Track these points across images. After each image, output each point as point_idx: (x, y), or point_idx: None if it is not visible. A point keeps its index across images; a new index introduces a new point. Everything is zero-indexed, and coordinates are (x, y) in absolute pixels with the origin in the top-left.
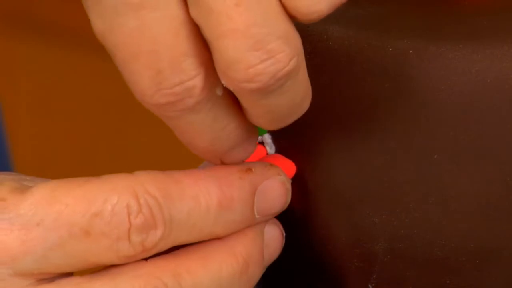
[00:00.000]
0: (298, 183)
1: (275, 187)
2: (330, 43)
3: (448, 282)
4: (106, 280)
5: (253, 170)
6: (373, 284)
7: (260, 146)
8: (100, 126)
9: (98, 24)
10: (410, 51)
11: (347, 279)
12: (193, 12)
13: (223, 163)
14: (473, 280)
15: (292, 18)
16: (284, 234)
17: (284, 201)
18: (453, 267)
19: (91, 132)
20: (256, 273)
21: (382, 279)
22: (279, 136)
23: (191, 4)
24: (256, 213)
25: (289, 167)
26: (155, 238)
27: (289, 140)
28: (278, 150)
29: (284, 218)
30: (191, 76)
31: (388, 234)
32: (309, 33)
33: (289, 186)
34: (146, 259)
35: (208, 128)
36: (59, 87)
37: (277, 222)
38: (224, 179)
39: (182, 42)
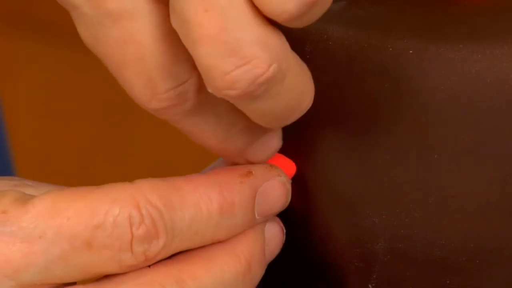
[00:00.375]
0: (298, 183)
1: (275, 188)
2: (330, 43)
3: (448, 282)
4: None
5: (253, 173)
6: (373, 284)
7: None
8: (100, 126)
9: (85, 35)
10: (410, 51)
11: (347, 279)
12: (172, 22)
13: (249, 162)
14: (473, 280)
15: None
16: (285, 230)
17: (284, 201)
18: (453, 267)
19: (91, 132)
20: (258, 272)
21: (382, 279)
22: None
23: (171, 14)
24: (256, 215)
25: (289, 167)
26: (157, 248)
27: (289, 140)
28: (278, 150)
29: (284, 218)
30: (183, 80)
31: (388, 234)
32: (309, 33)
33: (289, 186)
34: (148, 266)
35: (214, 128)
36: (59, 87)
37: (277, 219)
38: (225, 184)
39: (169, 48)
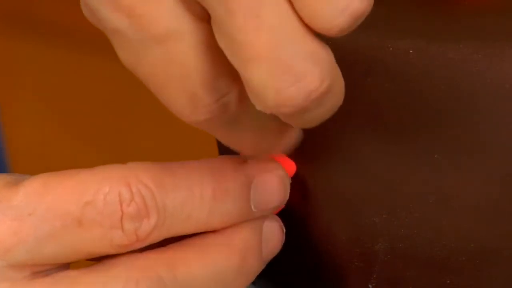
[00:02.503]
0: (298, 183)
1: (272, 180)
2: (330, 43)
3: (448, 282)
4: (100, 273)
5: (248, 162)
6: (373, 284)
7: None
8: (100, 126)
9: (125, 57)
10: (411, 51)
11: (347, 279)
12: (219, 42)
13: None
14: (473, 280)
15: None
16: (284, 230)
17: (282, 196)
18: (453, 267)
19: (91, 132)
20: (254, 267)
21: (382, 279)
22: None
23: (217, 34)
24: (253, 207)
25: (289, 166)
26: (149, 227)
27: None
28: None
29: (284, 218)
30: (225, 93)
31: (388, 234)
32: None
33: (287, 181)
34: (141, 251)
35: (248, 133)
36: (58, 87)
37: (277, 217)
38: (219, 170)
39: (211, 64)
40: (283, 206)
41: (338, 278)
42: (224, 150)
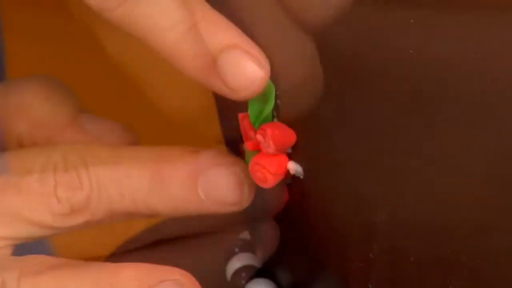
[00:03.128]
0: (297, 181)
1: (220, 174)
2: (329, 44)
3: (448, 282)
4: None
5: (200, 152)
6: (373, 284)
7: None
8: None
9: None
10: (411, 51)
11: (347, 279)
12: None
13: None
14: (473, 280)
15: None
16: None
17: (236, 191)
18: (453, 267)
19: None
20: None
21: (382, 279)
22: None
23: None
24: (202, 195)
25: (286, 164)
26: (81, 197)
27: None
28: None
29: (283, 217)
30: None
31: (388, 235)
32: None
33: (243, 178)
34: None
35: None
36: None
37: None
38: (162, 157)
39: None
40: (282, 205)
41: (338, 278)
42: (227, 138)
